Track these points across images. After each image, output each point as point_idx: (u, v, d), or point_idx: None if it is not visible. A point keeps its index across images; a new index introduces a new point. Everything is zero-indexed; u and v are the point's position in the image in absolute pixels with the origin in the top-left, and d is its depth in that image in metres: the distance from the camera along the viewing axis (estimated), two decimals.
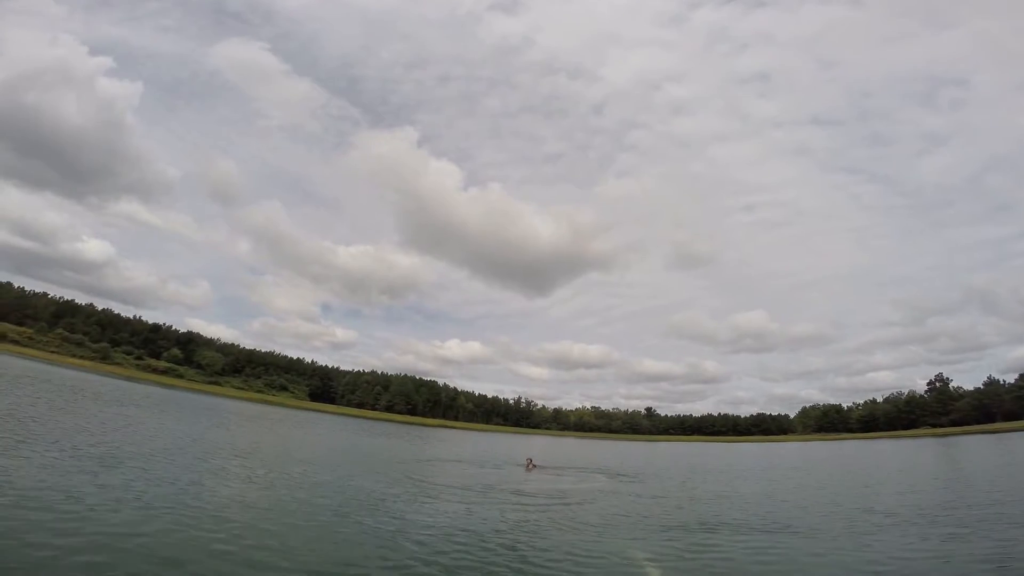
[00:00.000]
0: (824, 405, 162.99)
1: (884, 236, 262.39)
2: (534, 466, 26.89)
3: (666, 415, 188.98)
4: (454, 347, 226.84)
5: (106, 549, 6.88)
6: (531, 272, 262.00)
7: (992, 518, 12.55)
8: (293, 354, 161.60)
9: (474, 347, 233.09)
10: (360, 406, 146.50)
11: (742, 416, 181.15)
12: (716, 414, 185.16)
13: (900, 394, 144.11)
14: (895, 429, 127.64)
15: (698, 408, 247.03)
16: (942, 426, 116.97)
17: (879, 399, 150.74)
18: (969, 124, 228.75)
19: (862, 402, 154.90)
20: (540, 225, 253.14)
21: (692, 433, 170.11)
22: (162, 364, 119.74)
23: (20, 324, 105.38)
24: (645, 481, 24.45)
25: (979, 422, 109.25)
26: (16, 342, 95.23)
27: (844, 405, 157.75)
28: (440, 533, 9.91)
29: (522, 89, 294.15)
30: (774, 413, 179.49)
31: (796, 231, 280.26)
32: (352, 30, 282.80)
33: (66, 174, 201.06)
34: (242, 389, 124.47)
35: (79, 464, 12.16)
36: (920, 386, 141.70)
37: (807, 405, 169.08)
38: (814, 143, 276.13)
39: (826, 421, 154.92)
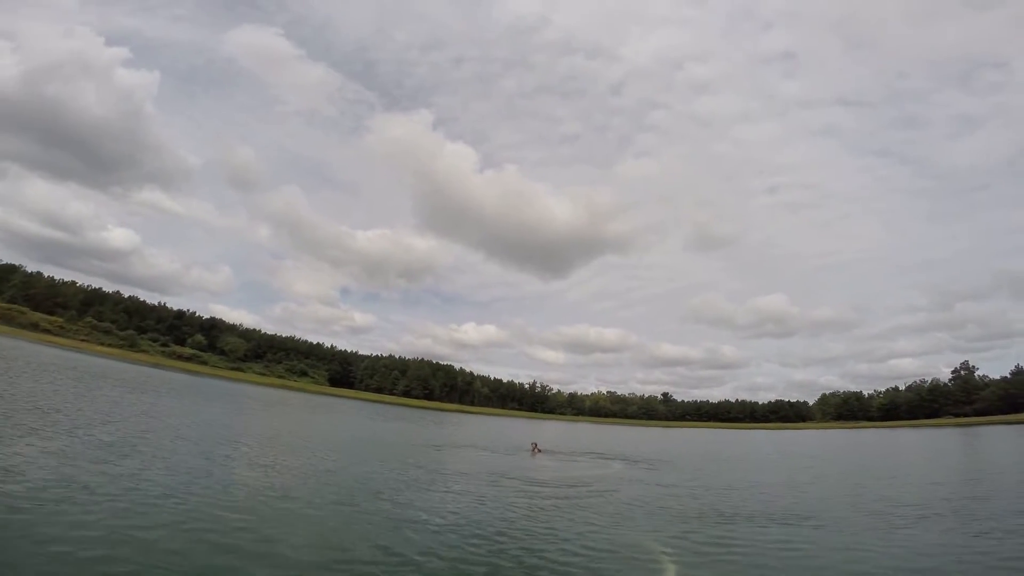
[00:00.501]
0: (844, 392, 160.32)
1: (913, 219, 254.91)
2: (539, 451, 27.77)
3: (683, 400, 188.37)
4: (470, 331, 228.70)
5: (116, 538, 6.92)
6: (548, 254, 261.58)
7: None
8: (313, 339, 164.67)
9: (490, 330, 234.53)
10: (378, 391, 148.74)
11: (760, 403, 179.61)
12: (733, 400, 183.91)
13: (923, 382, 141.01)
14: (917, 418, 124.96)
15: (715, 394, 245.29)
16: (966, 416, 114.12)
17: (901, 387, 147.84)
18: (1008, 107, 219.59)
19: (883, 390, 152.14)
20: (557, 206, 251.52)
21: (709, 419, 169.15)
22: (187, 351, 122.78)
23: (51, 313, 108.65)
24: (660, 469, 24.24)
25: (1004, 412, 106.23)
26: (47, 331, 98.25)
27: (865, 392, 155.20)
28: (450, 522, 9.83)
29: (538, 70, 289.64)
30: (792, 400, 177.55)
31: (821, 213, 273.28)
32: (366, 13, 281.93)
33: (90, 164, 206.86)
34: (264, 375, 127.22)
35: (92, 452, 12.38)
36: (944, 374, 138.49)
37: (826, 392, 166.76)
38: (842, 124, 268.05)
39: (846, 409, 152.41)
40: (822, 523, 11.43)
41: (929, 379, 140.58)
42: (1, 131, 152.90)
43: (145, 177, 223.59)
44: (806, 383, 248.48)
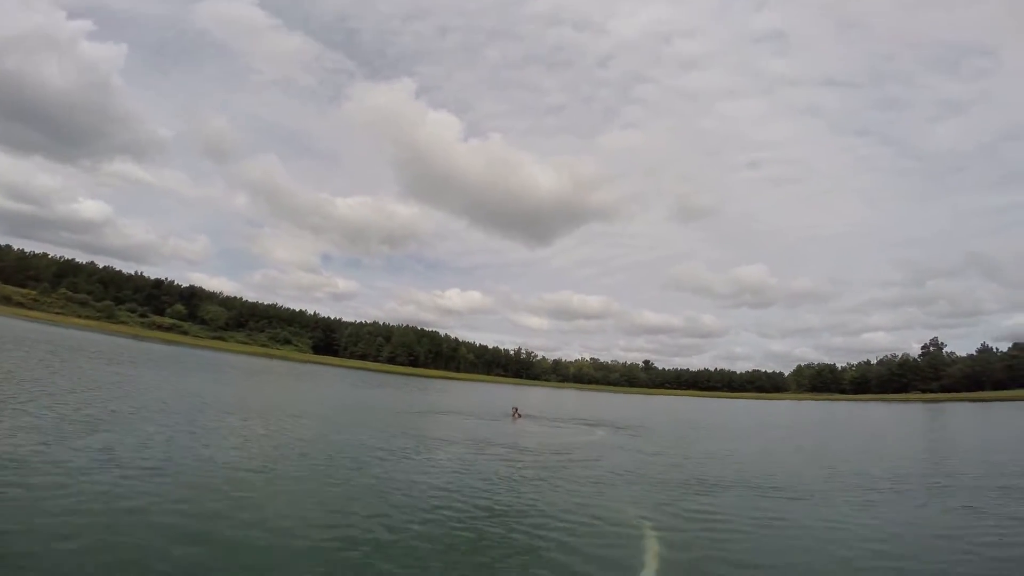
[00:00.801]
0: (818, 364, 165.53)
1: (892, 198, 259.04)
2: (520, 416, 28.52)
3: (663, 368, 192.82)
4: (454, 297, 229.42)
5: (77, 521, 6.61)
6: (532, 222, 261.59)
7: (997, 490, 12.48)
8: (295, 306, 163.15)
9: (474, 297, 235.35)
10: (363, 358, 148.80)
11: (738, 372, 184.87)
12: (712, 369, 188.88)
13: (894, 357, 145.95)
14: (886, 392, 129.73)
15: (695, 362, 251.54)
16: (932, 391, 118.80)
17: (873, 360, 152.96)
18: (992, 93, 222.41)
19: (856, 363, 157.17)
20: (541, 175, 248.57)
21: (688, 388, 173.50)
22: (166, 321, 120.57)
23: (22, 286, 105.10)
24: (642, 436, 24.67)
25: (968, 389, 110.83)
26: (21, 304, 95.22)
27: (838, 365, 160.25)
28: (431, 492, 9.67)
29: (525, 40, 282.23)
30: (769, 370, 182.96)
31: (802, 188, 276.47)
32: None
33: (56, 138, 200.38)
34: (246, 343, 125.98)
35: (60, 426, 11.95)
36: (915, 349, 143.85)
37: (801, 363, 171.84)
38: (826, 103, 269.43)
39: (819, 380, 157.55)
40: (799, 495, 11.62)
41: (900, 354, 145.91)
42: None
43: (115, 149, 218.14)
44: (782, 354, 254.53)
